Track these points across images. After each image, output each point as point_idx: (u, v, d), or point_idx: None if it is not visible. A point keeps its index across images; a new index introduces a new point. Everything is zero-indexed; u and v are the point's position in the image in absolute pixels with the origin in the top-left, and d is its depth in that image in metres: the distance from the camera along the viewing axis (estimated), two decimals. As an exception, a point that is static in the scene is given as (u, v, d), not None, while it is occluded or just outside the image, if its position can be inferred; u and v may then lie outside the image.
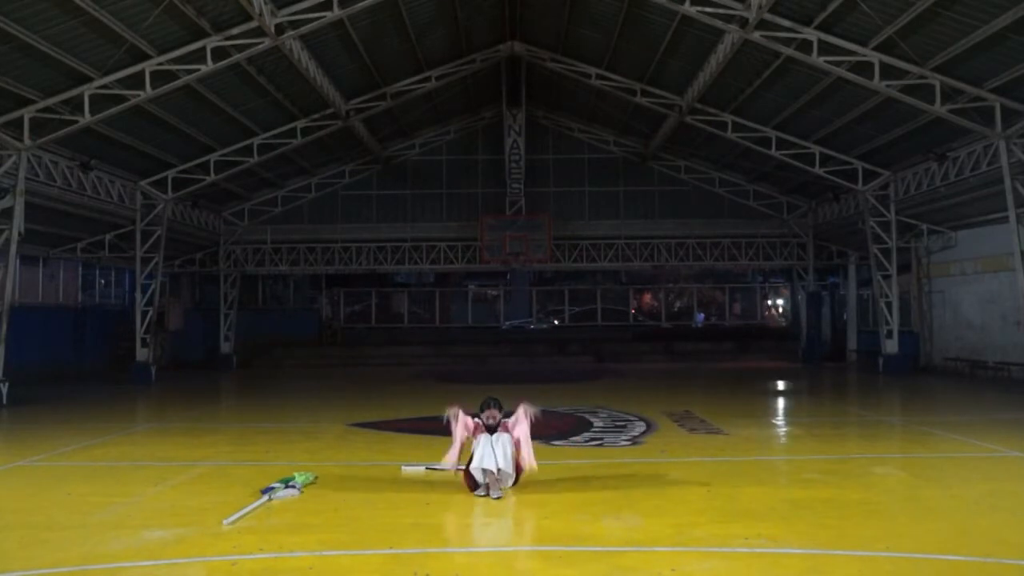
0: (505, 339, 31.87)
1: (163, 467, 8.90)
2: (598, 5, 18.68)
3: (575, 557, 5.33)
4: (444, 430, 7.52)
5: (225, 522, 6.14)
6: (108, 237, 22.90)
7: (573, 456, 9.25)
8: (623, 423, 12.14)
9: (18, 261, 18.29)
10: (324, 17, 15.54)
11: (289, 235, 27.97)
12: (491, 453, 6.99)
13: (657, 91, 21.57)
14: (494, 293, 35.83)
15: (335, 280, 32.89)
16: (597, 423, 12.20)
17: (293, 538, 5.79)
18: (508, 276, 34.18)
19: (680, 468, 8.46)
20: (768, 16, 15.17)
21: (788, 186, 26.61)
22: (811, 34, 15.43)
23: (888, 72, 15.78)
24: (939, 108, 15.98)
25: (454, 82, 23.46)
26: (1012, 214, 16.42)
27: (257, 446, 10.39)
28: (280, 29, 15.54)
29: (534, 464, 7.29)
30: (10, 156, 16.02)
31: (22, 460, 9.28)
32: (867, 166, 21.63)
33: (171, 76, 16.10)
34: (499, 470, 6.97)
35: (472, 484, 7.16)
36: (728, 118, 21.44)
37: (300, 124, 21.73)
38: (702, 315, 35.03)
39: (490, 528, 6.40)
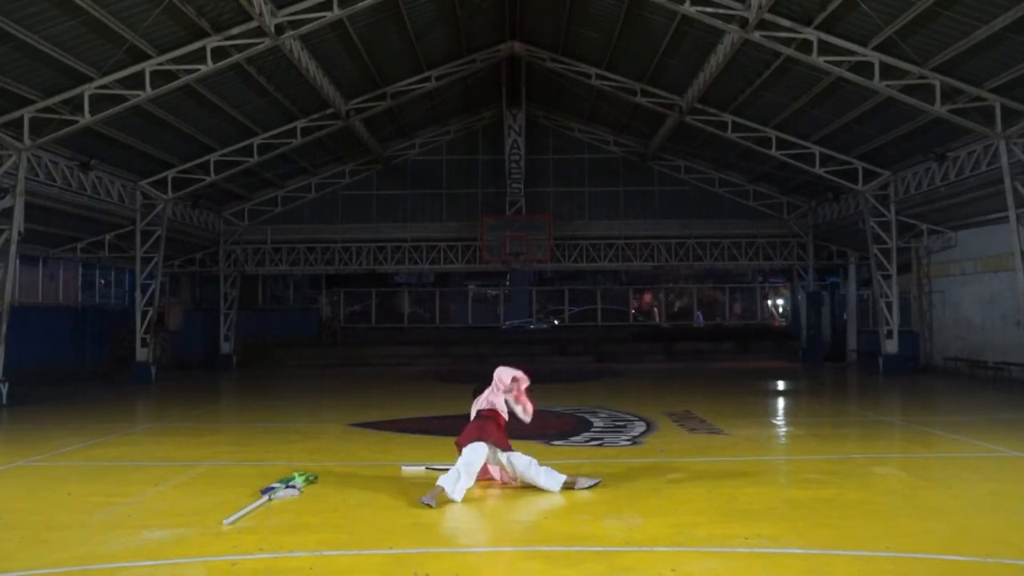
0: (505, 339, 31.85)
1: (163, 467, 8.89)
2: (598, 5, 18.68)
3: (575, 557, 5.32)
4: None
5: (225, 522, 6.13)
6: (108, 237, 22.90)
7: (573, 456, 9.24)
8: (623, 423, 12.14)
9: (18, 261, 18.29)
10: (324, 17, 15.55)
11: (289, 235, 27.96)
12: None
13: (657, 91, 21.56)
14: (494, 293, 35.84)
15: (335, 280, 32.89)
16: (597, 423, 12.19)
17: (293, 538, 5.78)
18: (508, 276, 34.19)
19: (680, 468, 8.45)
20: (768, 16, 15.17)
21: (788, 186, 26.60)
22: (811, 34, 15.43)
23: (888, 72, 15.78)
24: (939, 108, 15.97)
25: (454, 82, 23.45)
26: (1012, 214, 16.41)
27: (257, 446, 10.38)
28: (280, 29, 15.54)
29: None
30: (10, 156, 16.01)
31: (22, 460, 9.27)
32: (867, 166, 21.62)
33: (171, 76, 16.10)
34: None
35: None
36: (728, 118, 21.43)
37: (300, 124, 21.73)
38: (702, 315, 35.02)
39: (490, 528, 6.40)
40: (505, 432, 7.39)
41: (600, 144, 28.06)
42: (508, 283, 35.58)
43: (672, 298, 36.04)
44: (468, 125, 28.07)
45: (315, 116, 21.55)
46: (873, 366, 22.59)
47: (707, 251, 27.85)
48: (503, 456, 7.23)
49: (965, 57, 14.72)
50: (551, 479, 7.15)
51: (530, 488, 7.24)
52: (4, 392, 15.92)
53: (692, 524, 6.10)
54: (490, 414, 7.44)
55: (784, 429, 12.34)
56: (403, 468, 8.48)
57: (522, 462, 7.21)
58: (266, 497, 6.92)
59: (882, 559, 5.22)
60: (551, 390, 17.99)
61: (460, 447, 7.18)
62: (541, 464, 7.26)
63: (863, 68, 15.85)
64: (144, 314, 22.08)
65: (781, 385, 19.98)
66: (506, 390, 7.63)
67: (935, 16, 13.71)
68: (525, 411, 7.74)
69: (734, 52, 16.96)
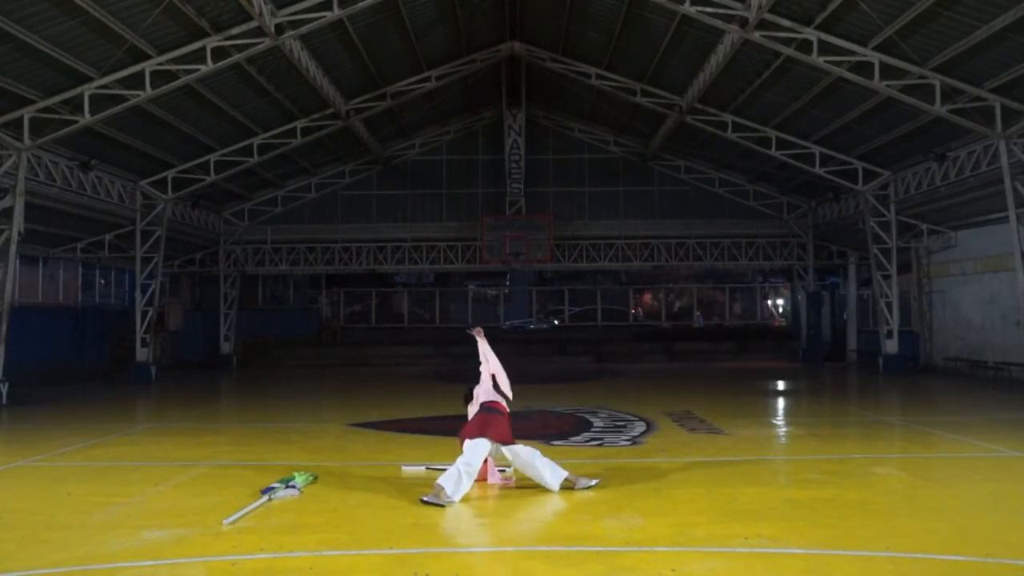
0: (505, 339, 31.75)
1: (163, 467, 8.89)
2: (598, 5, 18.68)
3: (575, 557, 5.33)
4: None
5: (225, 522, 6.14)
6: (108, 237, 22.91)
7: (573, 456, 9.22)
8: (623, 423, 12.14)
9: (18, 261, 18.29)
10: (324, 17, 15.55)
11: (289, 235, 27.97)
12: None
13: (657, 91, 21.56)
14: (494, 293, 35.84)
15: (335, 280, 32.90)
16: (597, 423, 12.19)
17: (293, 538, 5.79)
18: (508, 276, 34.18)
19: (680, 468, 8.45)
20: (768, 16, 15.17)
21: (788, 186, 26.61)
22: (811, 34, 15.44)
23: (888, 72, 15.78)
24: (939, 108, 15.97)
25: (454, 82, 23.45)
26: (1012, 214, 16.41)
27: (257, 446, 10.38)
28: (280, 29, 15.54)
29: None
30: (10, 156, 16.01)
31: (22, 460, 9.27)
32: (867, 166, 21.63)
33: (171, 76, 16.10)
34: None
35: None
36: (728, 118, 21.44)
37: (300, 124, 21.74)
38: (702, 315, 35.01)
39: (490, 528, 6.40)
40: (510, 425, 7.35)
41: (600, 144, 28.06)
42: (508, 283, 35.58)
43: (672, 298, 36.05)
44: (468, 125, 28.07)
45: (315, 116, 21.55)
46: (873, 366, 22.59)
47: (707, 251, 27.85)
48: (506, 450, 7.23)
49: (965, 57, 14.72)
50: (554, 473, 7.17)
51: (529, 488, 7.24)
52: (4, 392, 15.92)
53: (692, 524, 6.11)
54: (494, 406, 7.42)
55: (784, 429, 12.34)
56: (403, 468, 8.48)
57: (525, 453, 7.23)
58: (266, 497, 6.92)
59: (882, 559, 5.23)
60: (551, 390, 18.00)
61: (462, 442, 7.17)
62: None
63: (863, 68, 15.85)
64: (144, 314, 22.08)
65: (781, 385, 19.98)
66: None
67: (935, 16, 13.71)
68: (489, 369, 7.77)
69: (734, 52, 16.96)
